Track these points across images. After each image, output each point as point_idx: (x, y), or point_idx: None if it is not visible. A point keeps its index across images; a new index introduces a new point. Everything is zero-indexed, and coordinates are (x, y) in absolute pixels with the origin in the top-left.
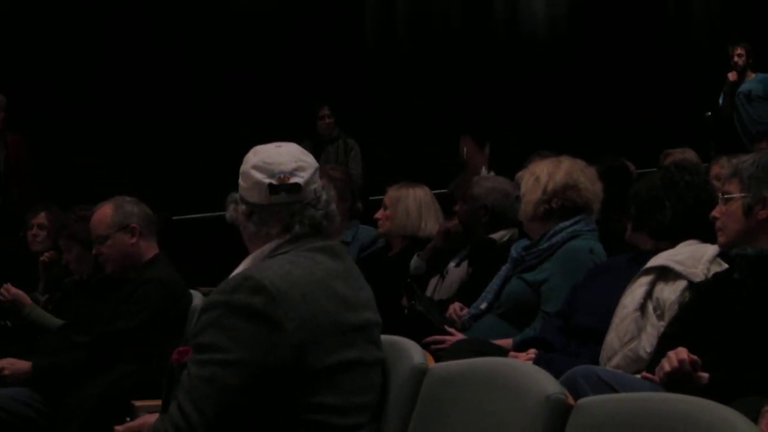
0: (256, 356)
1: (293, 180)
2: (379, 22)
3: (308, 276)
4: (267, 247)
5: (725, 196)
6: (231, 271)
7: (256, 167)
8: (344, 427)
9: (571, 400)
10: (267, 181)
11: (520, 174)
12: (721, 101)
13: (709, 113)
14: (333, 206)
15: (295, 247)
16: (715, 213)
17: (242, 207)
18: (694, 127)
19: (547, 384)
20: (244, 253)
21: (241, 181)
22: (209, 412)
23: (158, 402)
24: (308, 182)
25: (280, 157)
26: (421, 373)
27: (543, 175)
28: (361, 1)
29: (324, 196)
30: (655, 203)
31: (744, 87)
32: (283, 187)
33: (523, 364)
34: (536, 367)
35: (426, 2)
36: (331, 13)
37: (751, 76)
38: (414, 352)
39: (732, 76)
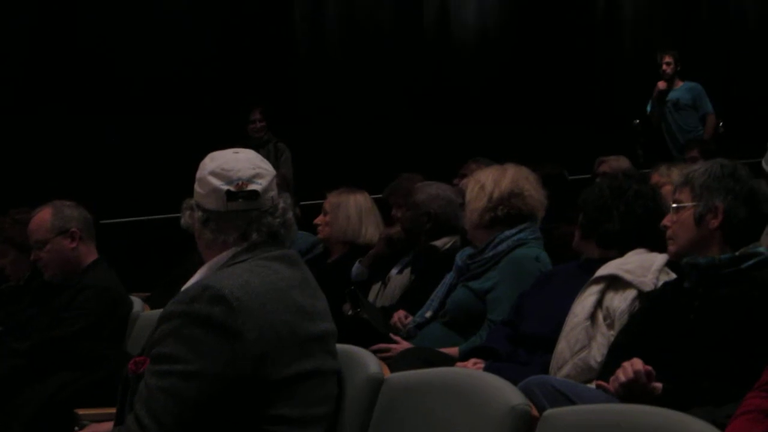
0: (216, 367)
1: (251, 187)
2: (309, 26)
3: (267, 285)
4: (224, 256)
5: (676, 205)
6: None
7: (213, 173)
8: None
9: (535, 411)
10: (225, 187)
11: (465, 181)
12: (648, 109)
13: (637, 121)
14: (290, 214)
15: (253, 256)
16: (665, 222)
17: (198, 214)
18: (621, 134)
19: (511, 395)
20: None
21: (197, 188)
22: (168, 423)
23: (102, 410)
24: (266, 189)
25: (239, 164)
26: (378, 382)
27: (488, 182)
28: (291, 6)
29: (281, 204)
30: (603, 212)
31: (672, 95)
32: (241, 194)
33: (484, 374)
34: (498, 378)
35: (356, 7)
36: (261, 17)
37: (679, 84)
38: (369, 361)
39: (662, 84)
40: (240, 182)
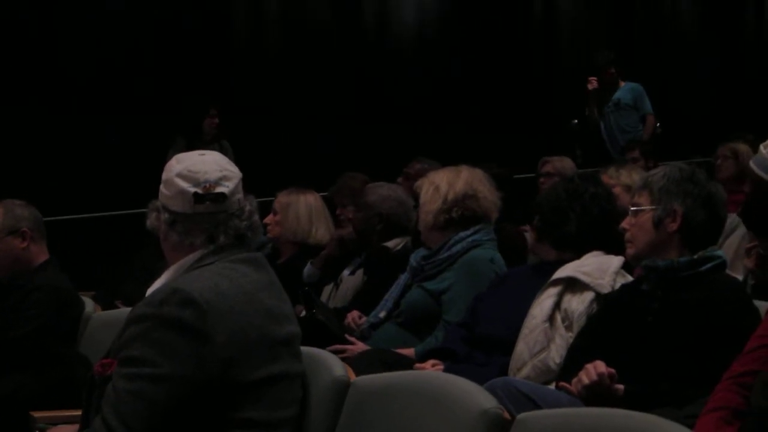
0: (186, 371)
1: (218, 189)
2: (249, 24)
3: (236, 288)
4: (190, 258)
5: (635, 208)
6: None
7: (180, 175)
8: None
9: (507, 414)
10: (192, 190)
11: (418, 183)
12: (587, 109)
13: (576, 121)
14: (256, 217)
15: (220, 259)
16: (624, 225)
17: (165, 216)
18: (559, 134)
19: (482, 398)
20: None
21: (163, 189)
22: (137, 427)
23: (58, 413)
24: (233, 192)
25: (205, 166)
26: (343, 385)
27: (443, 184)
28: (229, 4)
29: (248, 207)
30: (559, 214)
31: (614, 96)
32: (208, 197)
33: (452, 377)
34: (467, 381)
35: (296, 5)
36: (200, 14)
37: (621, 84)
38: (333, 364)
39: (591, 84)
40: (207, 184)
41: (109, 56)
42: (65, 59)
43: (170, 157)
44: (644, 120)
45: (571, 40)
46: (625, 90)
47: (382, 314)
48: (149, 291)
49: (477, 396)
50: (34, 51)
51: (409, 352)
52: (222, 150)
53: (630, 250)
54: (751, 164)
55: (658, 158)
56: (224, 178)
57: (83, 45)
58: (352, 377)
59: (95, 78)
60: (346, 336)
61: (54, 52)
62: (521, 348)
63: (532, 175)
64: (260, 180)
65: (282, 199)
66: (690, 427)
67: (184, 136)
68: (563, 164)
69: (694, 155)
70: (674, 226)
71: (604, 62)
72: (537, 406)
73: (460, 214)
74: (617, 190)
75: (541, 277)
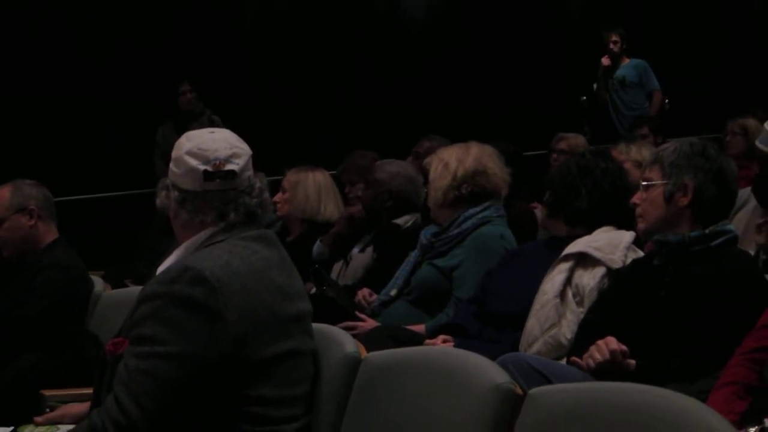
0: (198, 349)
1: (228, 167)
2: (259, 5)
3: (247, 266)
4: (201, 236)
5: (646, 183)
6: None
7: (190, 153)
8: (282, 418)
9: (519, 389)
10: (202, 167)
11: (428, 160)
12: (595, 86)
13: (584, 98)
14: (266, 194)
15: (230, 236)
16: (635, 200)
17: (175, 194)
18: (567, 112)
19: (494, 373)
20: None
21: (173, 167)
22: (150, 406)
23: (68, 391)
24: (243, 169)
25: (215, 144)
26: (354, 362)
27: (452, 161)
28: None
29: (258, 184)
30: (571, 190)
31: (619, 73)
32: (218, 174)
33: (464, 352)
34: (479, 356)
35: None
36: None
37: (626, 61)
38: (345, 340)
39: (606, 61)
40: (217, 162)
41: (123, 42)
42: (82, 46)
43: (159, 137)
44: (651, 97)
45: (582, 15)
46: (629, 67)
47: (393, 292)
48: (160, 269)
49: (489, 371)
50: (64, 38)
51: (419, 328)
52: (212, 124)
53: (641, 225)
54: (758, 143)
55: (667, 134)
56: (234, 155)
57: (100, 33)
58: (364, 354)
59: (109, 64)
60: (357, 313)
61: (71, 40)
62: (532, 324)
63: (541, 152)
64: (269, 158)
65: (291, 177)
66: (702, 401)
67: (171, 116)
68: (577, 142)
69: (704, 131)
70: (685, 201)
71: (606, 36)
72: (548, 382)
73: (470, 190)
74: (627, 166)
75: (552, 252)
